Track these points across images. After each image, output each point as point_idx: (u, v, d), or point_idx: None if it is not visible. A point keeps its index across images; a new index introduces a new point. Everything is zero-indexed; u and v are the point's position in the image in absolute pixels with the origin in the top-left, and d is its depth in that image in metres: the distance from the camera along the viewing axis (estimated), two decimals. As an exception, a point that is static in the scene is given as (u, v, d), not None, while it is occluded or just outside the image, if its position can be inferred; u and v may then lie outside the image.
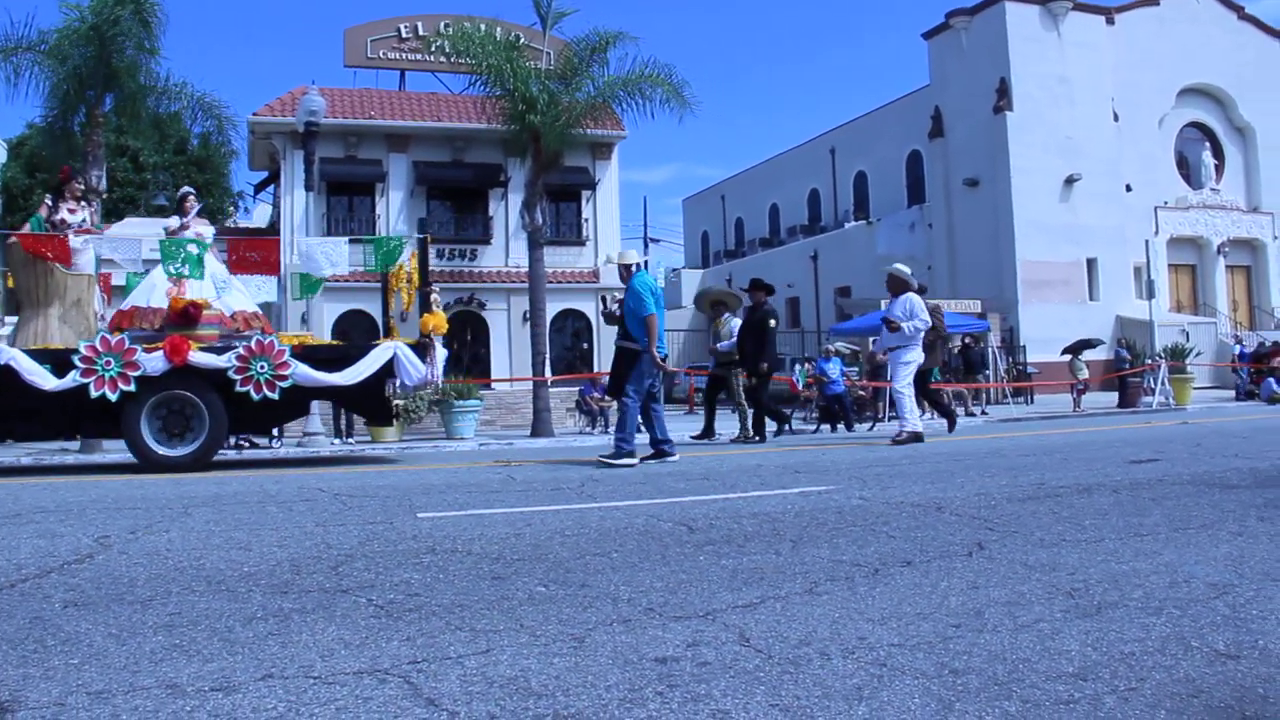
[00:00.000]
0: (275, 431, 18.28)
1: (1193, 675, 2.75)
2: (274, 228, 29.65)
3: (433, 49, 27.37)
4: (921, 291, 14.21)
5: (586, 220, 28.92)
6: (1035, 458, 9.74)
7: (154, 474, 10.18)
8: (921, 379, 14.21)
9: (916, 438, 12.09)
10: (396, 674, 2.85)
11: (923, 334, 12.78)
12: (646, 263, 11.33)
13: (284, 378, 11.04)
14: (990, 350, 27.13)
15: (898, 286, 13.06)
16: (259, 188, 34.54)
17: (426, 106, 28.48)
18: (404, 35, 29.15)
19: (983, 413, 23.67)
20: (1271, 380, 25.53)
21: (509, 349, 27.18)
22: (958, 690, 2.65)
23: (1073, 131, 36.35)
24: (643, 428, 10.72)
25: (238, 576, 4.34)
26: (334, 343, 14.62)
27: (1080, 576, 4.04)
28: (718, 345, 15.10)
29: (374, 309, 26.54)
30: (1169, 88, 39.53)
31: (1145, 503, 6.15)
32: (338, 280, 25.88)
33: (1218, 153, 41.35)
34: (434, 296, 12.99)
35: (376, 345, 11.84)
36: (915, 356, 12.79)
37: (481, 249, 28.12)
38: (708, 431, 14.60)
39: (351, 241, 13.18)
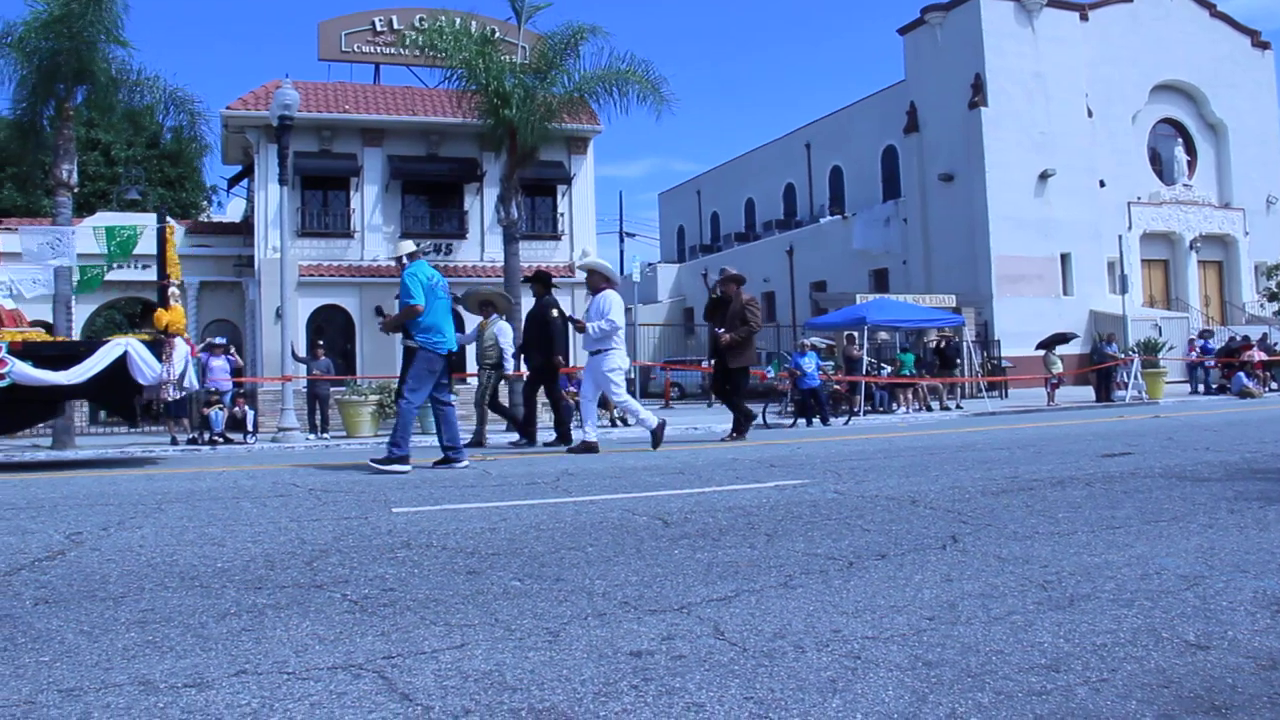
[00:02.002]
0: (250, 428, 18.24)
1: (1164, 666, 2.78)
2: (248, 222, 29.47)
3: (407, 44, 27.27)
4: (753, 289, 13.60)
5: (562, 215, 28.87)
6: (1009, 451, 9.80)
7: (127, 470, 10.11)
8: (726, 378, 13.42)
9: (589, 448, 11.21)
10: (371, 669, 2.84)
11: (617, 335, 11.68)
12: (419, 253, 10.54)
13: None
14: (965, 345, 27.25)
15: (596, 283, 11.97)
16: (233, 182, 34.34)
17: (401, 101, 28.35)
18: (378, 29, 28.98)
19: (957, 407, 23.79)
20: (1242, 375, 25.75)
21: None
22: (931, 682, 2.66)
23: (1047, 127, 36.55)
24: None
25: (211, 572, 4.31)
26: (61, 339, 14.06)
27: (1053, 569, 4.07)
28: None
29: (351, 304, 26.49)
30: (1142, 84, 39.81)
31: (1117, 496, 6.19)
32: (310, 274, 25.90)
33: (1190, 149, 41.67)
34: (172, 290, 12.27)
35: (106, 343, 11.44)
36: (619, 362, 11.75)
37: (457, 243, 28.02)
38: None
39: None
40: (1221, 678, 2.67)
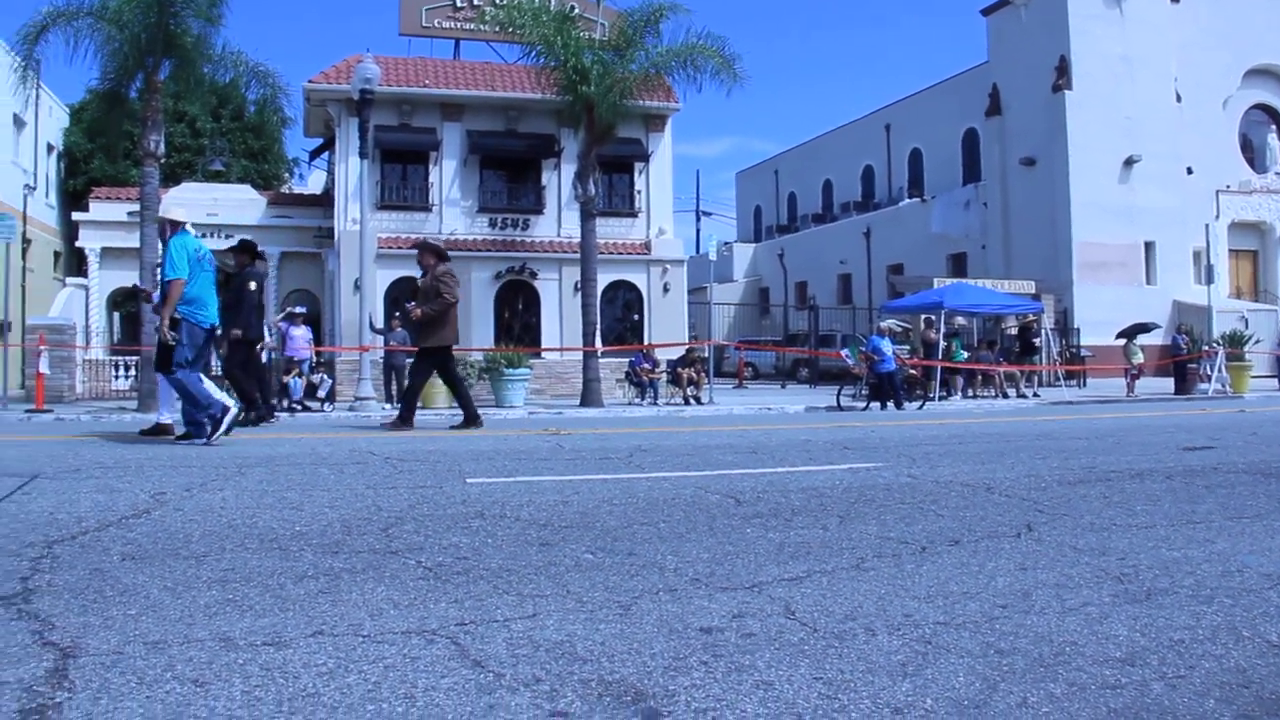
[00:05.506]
0: (323, 395, 18.55)
1: (1244, 665, 2.72)
2: (328, 194, 29.87)
3: (486, 19, 27.38)
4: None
5: (639, 192, 28.84)
6: (1087, 441, 9.64)
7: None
8: (432, 360, 12.07)
9: (162, 430, 10.12)
10: (444, 635, 2.89)
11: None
12: (186, 225, 9.73)
13: None
14: (1044, 332, 26.80)
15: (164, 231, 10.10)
16: (314, 154, 34.76)
17: (481, 76, 28.48)
18: (459, 4, 29.12)
19: (1035, 395, 23.43)
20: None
21: (560, 319, 27.22)
22: (1003, 670, 2.64)
23: (1133, 112, 35.70)
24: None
25: (290, 535, 4.40)
26: None
27: (1130, 562, 4.00)
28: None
29: (425, 277, 26.71)
30: (1234, 68, 38.70)
31: (1198, 490, 6.07)
32: (389, 247, 26.20)
33: (1283, 136, 40.46)
34: None
35: None
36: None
37: (534, 219, 28.14)
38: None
39: None
40: (1304, 678, 2.62)
